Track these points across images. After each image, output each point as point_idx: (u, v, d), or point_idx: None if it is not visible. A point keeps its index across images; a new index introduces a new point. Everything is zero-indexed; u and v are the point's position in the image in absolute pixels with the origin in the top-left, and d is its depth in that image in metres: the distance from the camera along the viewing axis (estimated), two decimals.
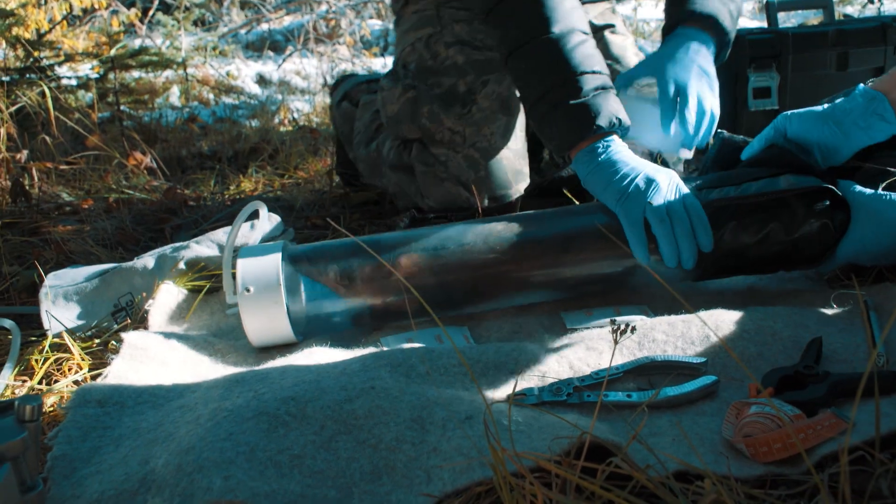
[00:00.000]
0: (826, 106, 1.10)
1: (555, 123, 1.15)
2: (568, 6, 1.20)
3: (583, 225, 1.10)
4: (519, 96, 1.22)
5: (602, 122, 1.11)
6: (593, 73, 1.15)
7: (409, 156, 1.55)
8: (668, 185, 1.07)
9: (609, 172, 1.09)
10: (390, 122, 1.56)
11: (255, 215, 1.35)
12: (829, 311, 0.98)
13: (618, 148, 1.12)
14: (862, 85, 1.08)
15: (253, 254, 1.09)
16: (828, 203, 1.04)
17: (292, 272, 1.08)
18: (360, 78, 1.93)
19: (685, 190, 1.07)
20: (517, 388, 0.86)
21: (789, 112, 1.12)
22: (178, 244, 1.34)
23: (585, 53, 1.16)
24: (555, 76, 1.15)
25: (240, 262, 1.07)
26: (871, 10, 3.82)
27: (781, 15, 1.95)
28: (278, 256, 1.07)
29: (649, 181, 1.06)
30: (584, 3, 1.64)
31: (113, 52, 2.89)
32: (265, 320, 1.05)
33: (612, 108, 1.13)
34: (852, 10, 4.26)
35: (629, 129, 1.16)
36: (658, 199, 1.05)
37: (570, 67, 1.15)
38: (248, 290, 1.05)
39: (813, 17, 3.97)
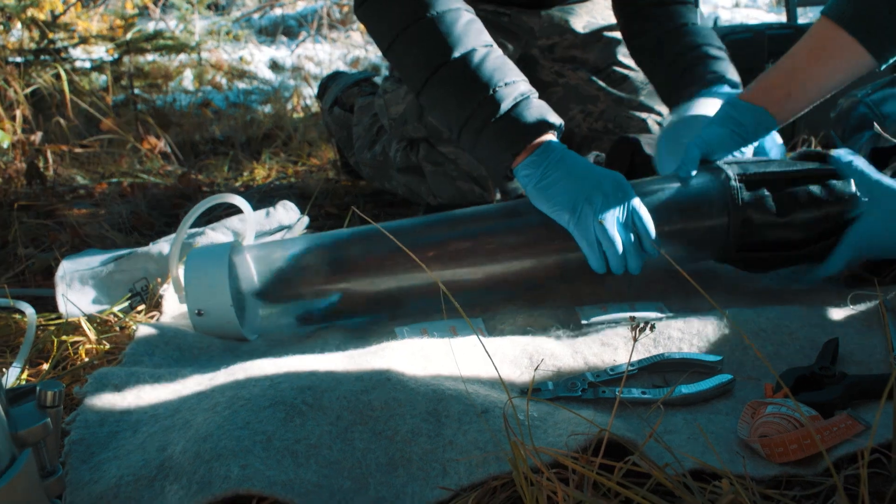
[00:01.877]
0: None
1: (485, 146, 1.11)
2: (461, 25, 1.15)
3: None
4: (444, 128, 1.19)
5: (529, 128, 1.08)
6: (506, 84, 1.11)
7: (416, 156, 1.54)
8: (614, 198, 1.04)
9: (554, 191, 1.05)
10: (395, 123, 1.55)
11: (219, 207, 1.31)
12: (845, 312, 0.97)
13: (557, 155, 1.08)
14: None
15: (199, 266, 1.06)
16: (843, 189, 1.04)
17: (249, 276, 1.08)
18: (348, 80, 1.90)
19: (631, 198, 1.05)
20: (531, 383, 0.86)
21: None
22: (193, 230, 1.35)
23: (493, 67, 1.12)
24: (469, 100, 1.11)
25: (187, 279, 1.05)
26: None
27: (799, 10, 1.94)
28: (225, 273, 1.04)
29: (596, 195, 1.03)
30: (586, 0, 1.63)
31: (129, 35, 2.89)
32: (220, 334, 1.07)
33: (536, 112, 1.09)
34: None
35: (563, 127, 1.12)
36: (607, 219, 1.03)
37: (481, 86, 1.10)
38: (198, 314, 1.05)
39: None
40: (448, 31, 1.14)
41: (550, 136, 1.10)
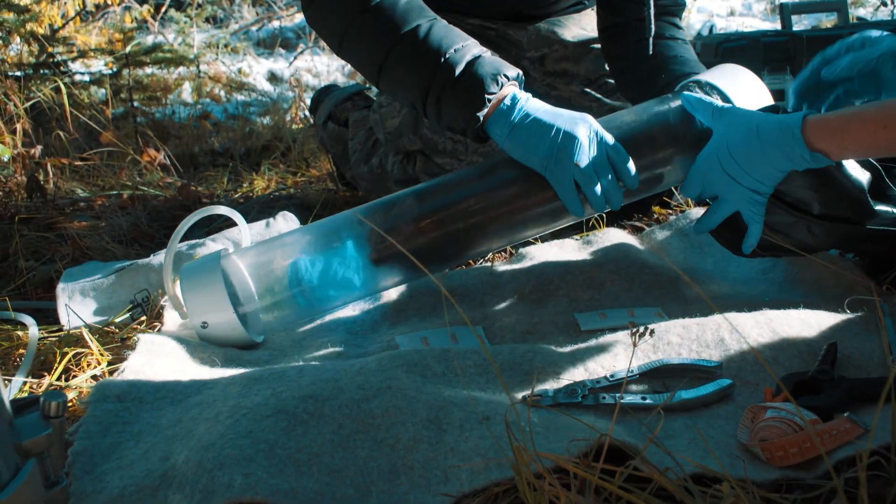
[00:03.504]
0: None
1: (450, 112, 1.13)
2: (402, 6, 1.17)
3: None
4: (408, 107, 1.20)
5: (489, 83, 1.09)
6: (456, 50, 1.12)
7: (413, 169, 1.55)
8: (589, 137, 1.06)
9: (526, 136, 1.08)
10: (391, 136, 1.56)
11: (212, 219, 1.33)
12: (843, 317, 0.98)
13: (524, 103, 1.10)
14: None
15: (195, 280, 1.07)
16: None
17: (242, 277, 1.10)
18: (341, 94, 1.91)
19: (605, 134, 1.07)
20: (532, 390, 0.86)
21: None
22: (193, 241, 1.35)
23: (440, 36, 1.14)
24: (425, 71, 1.13)
25: (185, 296, 1.07)
26: (884, 13, 3.81)
27: (794, 17, 1.96)
28: (220, 282, 1.05)
29: (570, 138, 1.05)
30: (574, 12, 1.64)
31: (128, 49, 2.91)
32: (229, 342, 1.08)
33: (490, 67, 1.11)
34: (864, 12, 4.25)
35: (522, 77, 1.14)
36: (582, 157, 1.05)
37: (433, 56, 1.12)
38: (203, 326, 1.06)
39: (825, 20, 3.96)
40: (391, 14, 1.16)
41: (512, 89, 1.12)
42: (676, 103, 1.13)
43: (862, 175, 1.01)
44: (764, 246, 1.07)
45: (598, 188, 1.06)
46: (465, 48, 1.13)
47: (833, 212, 1.01)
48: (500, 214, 1.10)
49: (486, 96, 1.09)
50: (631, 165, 1.07)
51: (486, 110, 1.10)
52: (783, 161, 0.97)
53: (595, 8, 1.60)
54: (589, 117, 1.09)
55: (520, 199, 1.10)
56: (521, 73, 1.14)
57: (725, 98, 1.15)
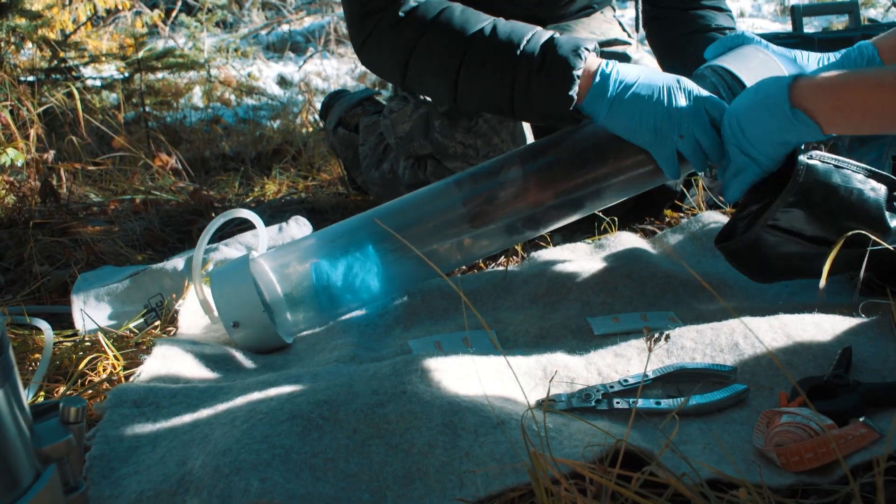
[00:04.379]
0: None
1: (542, 101, 1.13)
2: (458, 17, 1.17)
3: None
4: (498, 112, 1.21)
5: (573, 60, 1.09)
6: (528, 40, 1.12)
7: (424, 173, 1.56)
8: (688, 101, 1.07)
9: (625, 112, 1.07)
10: (402, 141, 1.56)
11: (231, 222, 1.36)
12: (858, 321, 0.97)
13: (615, 75, 1.10)
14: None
15: (225, 282, 1.10)
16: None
17: (269, 280, 1.11)
18: (351, 99, 1.91)
19: (703, 93, 1.08)
20: (544, 395, 0.86)
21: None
22: (207, 246, 1.36)
23: (508, 31, 1.14)
24: (504, 69, 1.13)
25: (216, 296, 1.09)
26: (894, 15, 3.80)
27: (805, 19, 1.95)
28: (250, 281, 1.07)
29: (673, 112, 1.06)
30: (583, 16, 1.64)
31: (140, 54, 2.92)
32: (259, 343, 1.09)
33: (567, 46, 1.11)
34: (875, 13, 4.24)
35: (599, 47, 1.15)
36: (684, 126, 1.05)
37: (508, 51, 1.12)
38: (234, 326, 1.08)
39: (836, 22, 3.95)
40: (451, 27, 1.15)
41: (598, 61, 1.11)
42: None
43: (879, 191, 1.00)
44: (781, 272, 1.07)
45: (702, 154, 1.06)
46: (537, 35, 1.13)
47: (852, 238, 1.00)
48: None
49: (574, 73, 1.09)
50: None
51: (576, 87, 1.10)
52: (770, 121, 0.96)
53: (605, 11, 1.60)
54: (684, 80, 1.09)
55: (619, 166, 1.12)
56: (597, 44, 1.14)
57: (739, 81, 1.14)
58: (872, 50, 1.03)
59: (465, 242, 1.14)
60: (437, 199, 1.15)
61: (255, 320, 1.07)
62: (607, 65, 1.11)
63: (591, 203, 1.15)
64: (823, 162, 0.98)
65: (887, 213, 1.00)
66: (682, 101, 1.06)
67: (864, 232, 0.99)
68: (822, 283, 0.98)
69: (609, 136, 1.11)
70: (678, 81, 1.08)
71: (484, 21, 1.16)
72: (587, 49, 1.10)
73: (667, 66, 1.43)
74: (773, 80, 0.99)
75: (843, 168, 0.99)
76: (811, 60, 1.13)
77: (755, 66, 1.15)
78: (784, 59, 1.14)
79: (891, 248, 1.00)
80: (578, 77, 1.09)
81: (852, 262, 1.01)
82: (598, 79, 1.10)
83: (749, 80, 1.13)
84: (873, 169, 1.02)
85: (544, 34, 1.14)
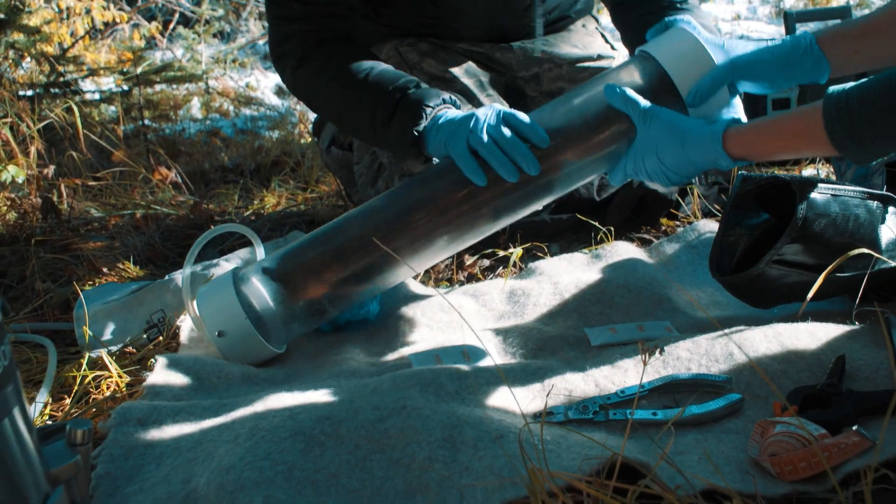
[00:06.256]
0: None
1: (393, 140, 1.25)
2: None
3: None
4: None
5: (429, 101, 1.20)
6: (401, 84, 1.24)
7: None
8: (487, 113, 1.12)
9: (437, 132, 1.17)
10: (394, 159, 1.58)
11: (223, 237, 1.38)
12: (852, 328, 0.99)
13: (448, 113, 1.19)
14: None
15: (209, 294, 1.12)
16: None
17: (257, 290, 1.12)
18: None
19: (506, 108, 1.12)
20: (542, 407, 0.88)
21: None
22: (207, 262, 1.37)
23: (380, 76, 1.29)
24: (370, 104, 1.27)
25: (201, 309, 1.11)
26: None
27: (798, 25, 1.96)
28: (232, 290, 1.09)
29: (466, 118, 1.13)
30: (562, 29, 1.66)
31: (140, 69, 2.93)
32: (247, 352, 1.10)
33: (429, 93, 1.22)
34: None
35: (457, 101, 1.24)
36: (477, 127, 1.10)
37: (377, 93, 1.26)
38: (219, 335, 1.09)
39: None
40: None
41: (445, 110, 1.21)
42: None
43: (875, 211, 1.03)
44: (781, 298, 1.08)
45: (498, 151, 1.08)
46: (400, 84, 1.25)
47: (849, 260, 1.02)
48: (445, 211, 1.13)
49: (422, 112, 1.19)
50: (534, 128, 1.09)
51: (418, 123, 1.19)
52: (709, 165, 1.05)
53: (587, 24, 1.62)
54: (496, 104, 1.16)
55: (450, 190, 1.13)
56: (452, 96, 1.24)
57: (661, 68, 1.14)
58: (810, 38, 1.05)
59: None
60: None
61: (237, 327, 1.08)
62: (449, 112, 1.20)
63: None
64: (821, 193, 1.00)
65: (881, 229, 1.02)
66: (480, 112, 1.13)
67: (864, 251, 1.01)
68: (803, 306, 1.03)
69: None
70: (491, 105, 1.15)
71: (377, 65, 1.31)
72: (443, 98, 1.22)
73: (630, 48, 1.45)
74: (701, 133, 1.04)
75: (840, 196, 1.01)
76: (739, 47, 1.14)
77: (679, 54, 1.15)
78: (712, 45, 1.14)
79: (892, 263, 1.01)
80: (423, 120, 1.20)
81: (850, 284, 1.03)
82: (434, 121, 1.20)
83: (667, 65, 1.13)
84: (869, 191, 1.04)
85: (407, 82, 1.26)
